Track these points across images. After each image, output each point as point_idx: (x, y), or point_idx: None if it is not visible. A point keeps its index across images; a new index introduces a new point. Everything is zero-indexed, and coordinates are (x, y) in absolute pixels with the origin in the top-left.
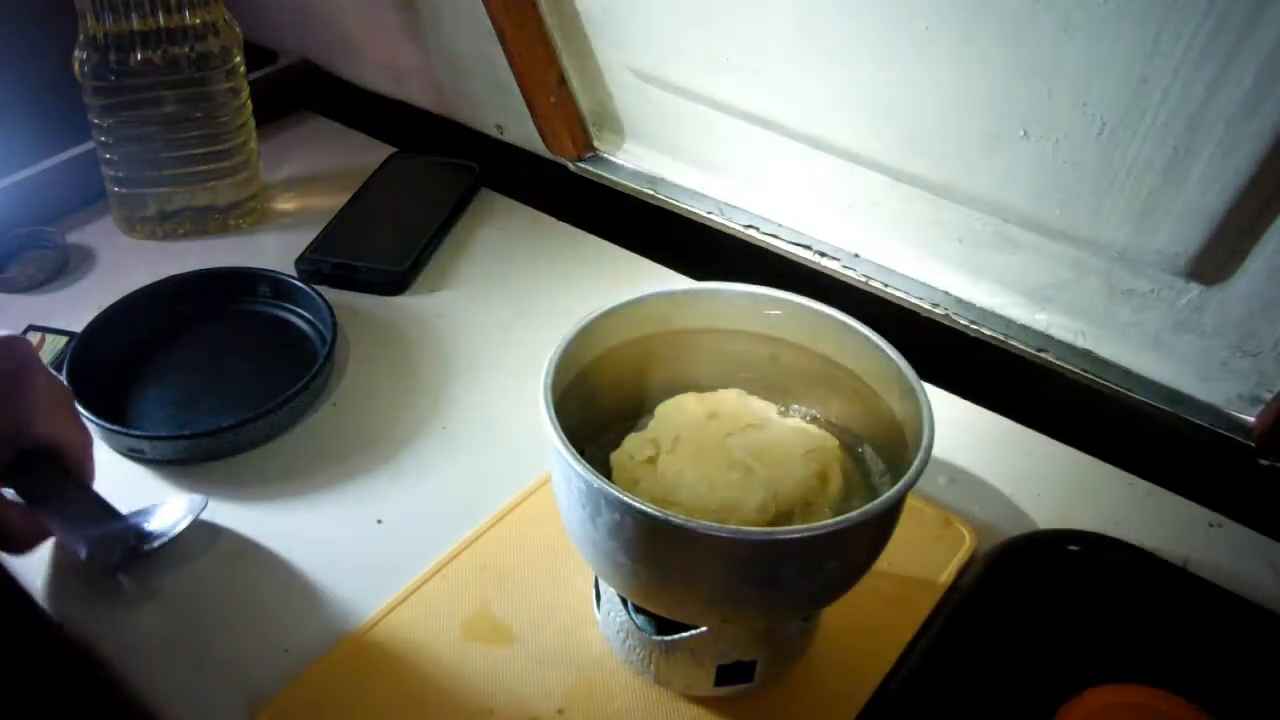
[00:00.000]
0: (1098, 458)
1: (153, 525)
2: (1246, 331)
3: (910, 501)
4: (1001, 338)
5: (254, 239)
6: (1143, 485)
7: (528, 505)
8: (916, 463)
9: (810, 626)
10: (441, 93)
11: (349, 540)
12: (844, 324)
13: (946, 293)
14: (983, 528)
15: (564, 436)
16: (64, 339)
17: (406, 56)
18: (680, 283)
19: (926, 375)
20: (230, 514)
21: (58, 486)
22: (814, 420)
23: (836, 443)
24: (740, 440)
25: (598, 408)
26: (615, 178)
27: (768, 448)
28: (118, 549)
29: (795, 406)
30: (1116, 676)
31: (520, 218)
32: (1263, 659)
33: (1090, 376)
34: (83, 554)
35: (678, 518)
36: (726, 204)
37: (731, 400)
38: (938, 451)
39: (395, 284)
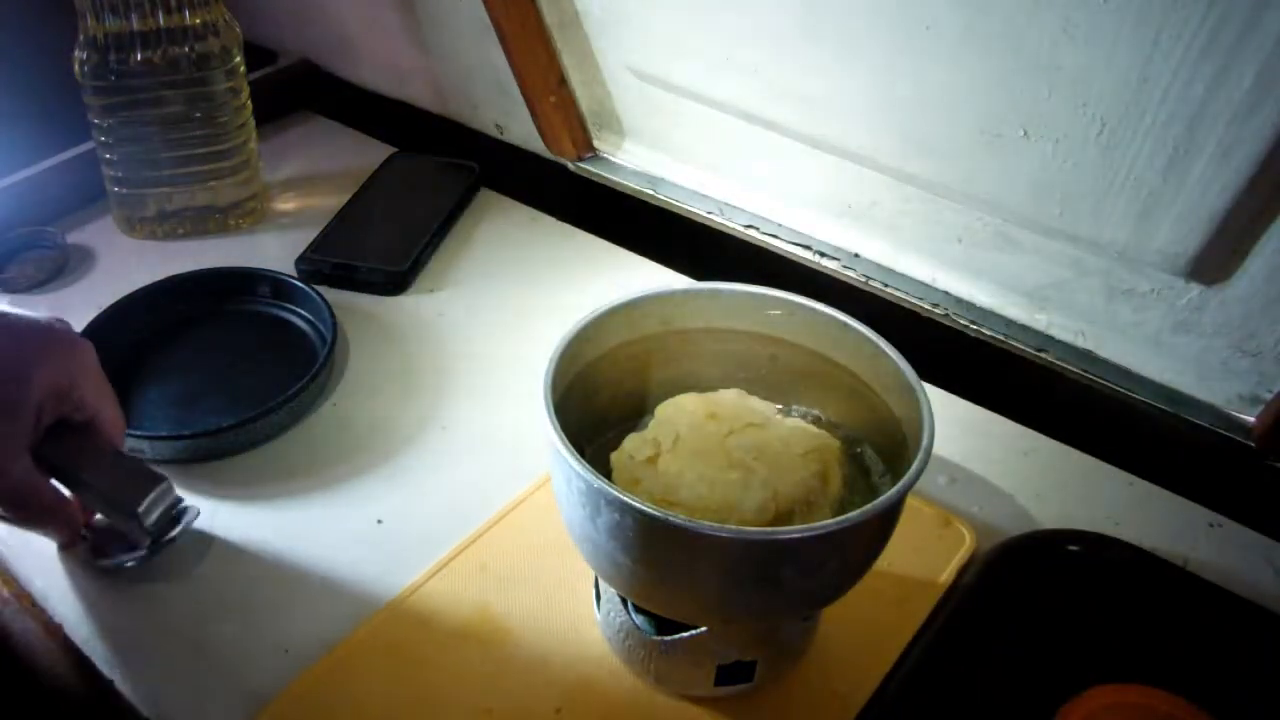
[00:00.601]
0: (1098, 458)
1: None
2: (1246, 331)
3: (910, 501)
4: (1001, 338)
5: (254, 239)
6: (1142, 485)
7: (528, 505)
8: (916, 463)
9: (810, 626)
10: (441, 93)
11: (349, 540)
12: (844, 324)
13: (946, 293)
14: (983, 528)
15: (564, 436)
16: None
17: (406, 56)
18: (680, 283)
19: (926, 375)
20: (230, 514)
21: (93, 458)
22: (814, 420)
23: (836, 443)
24: (740, 440)
25: (598, 408)
26: (615, 178)
27: (768, 447)
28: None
29: (795, 406)
30: (1116, 676)
31: (520, 217)
32: (1263, 659)
33: (1090, 376)
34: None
35: (678, 517)
36: (726, 204)
37: (731, 400)
38: (938, 451)
39: (395, 284)
